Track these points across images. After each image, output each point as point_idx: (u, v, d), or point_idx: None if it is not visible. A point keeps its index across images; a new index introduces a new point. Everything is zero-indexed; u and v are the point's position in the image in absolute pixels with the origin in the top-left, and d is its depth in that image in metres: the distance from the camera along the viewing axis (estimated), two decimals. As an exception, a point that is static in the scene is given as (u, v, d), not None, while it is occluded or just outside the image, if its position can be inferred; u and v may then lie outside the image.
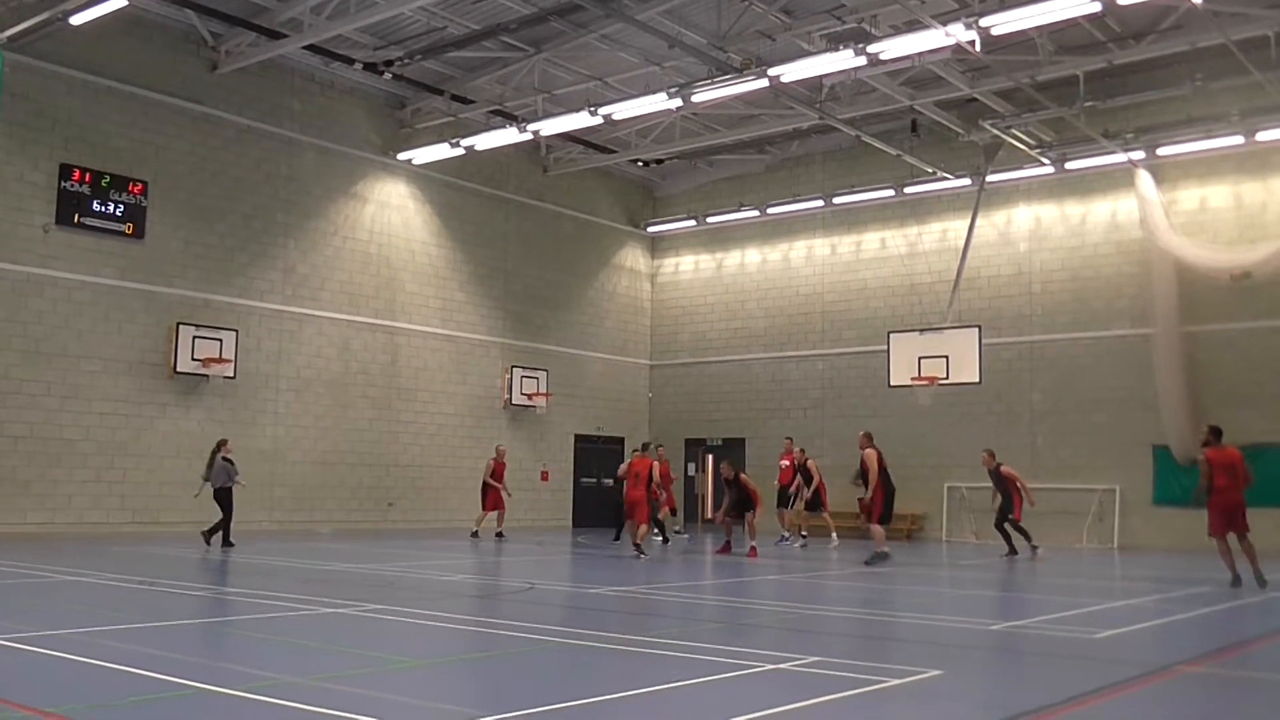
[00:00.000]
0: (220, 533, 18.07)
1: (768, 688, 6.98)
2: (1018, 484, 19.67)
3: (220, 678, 6.73)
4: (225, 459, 18.17)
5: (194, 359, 21.39)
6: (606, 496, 24.18)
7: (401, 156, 25.31)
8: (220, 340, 21.79)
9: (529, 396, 27.59)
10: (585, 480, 29.06)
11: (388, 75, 23.53)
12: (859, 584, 14.89)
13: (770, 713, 6.11)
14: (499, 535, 22.32)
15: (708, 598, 13.18)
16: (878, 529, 17.37)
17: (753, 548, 19.51)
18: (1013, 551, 19.77)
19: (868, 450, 17.44)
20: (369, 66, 23.22)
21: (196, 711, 6.05)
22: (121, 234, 20.83)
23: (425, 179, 26.17)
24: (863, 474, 17.46)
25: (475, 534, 22.29)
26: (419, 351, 25.85)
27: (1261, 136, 21.82)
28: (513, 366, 27.52)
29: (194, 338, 21.46)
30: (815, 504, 21.84)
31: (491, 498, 22.52)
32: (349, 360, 24.42)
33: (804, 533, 22.22)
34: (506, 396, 27.37)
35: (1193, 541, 20.62)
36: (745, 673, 7.38)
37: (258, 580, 13.25)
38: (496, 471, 22.64)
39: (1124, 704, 6.86)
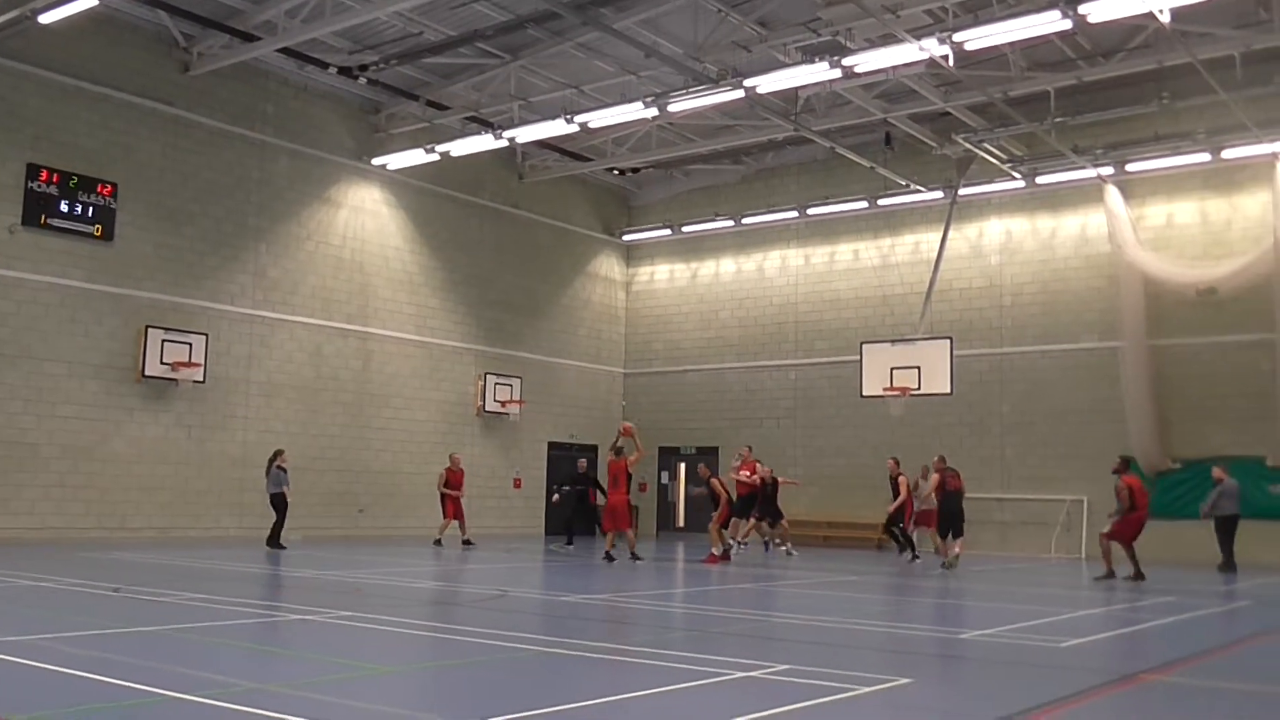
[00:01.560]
0: (275, 534, 19.86)
1: (738, 696, 7.00)
2: (910, 495, 21.13)
3: (186, 685, 6.67)
4: (280, 467, 19.98)
5: (163, 363, 21.22)
6: (561, 502, 24.02)
7: (376, 162, 25.24)
8: (190, 344, 21.63)
9: (502, 404, 27.54)
10: (561, 488, 28.98)
11: (363, 80, 23.49)
12: (829, 593, 14.95)
13: (740, 720, 6.13)
14: (466, 543, 22.16)
15: (679, 606, 13.19)
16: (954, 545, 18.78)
17: (711, 554, 19.55)
18: (915, 555, 20.82)
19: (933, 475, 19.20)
20: (344, 71, 23.16)
21: (160, 719, 5.99)
22: (90, 236, 20.66)
23: (400, 184, 26.11)
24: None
25: (439, 542, 22.11)
26: (392, 358, 25.76)
27: (1227, 154, 22.17)
28: (486, 373, 27.47)
29: (163, 341, 21.29)
30: (775, 516, 21.82)
31: (450, 506, 22.43)
32: (320, 366, 24.30)
33: (776, 541, 22.29)
34: (480, 403, 27.31)
35: (1158, 552, 20.84)
36: (716, 681, 7.40)
37: (226, 586, 13.16)
38: (451, 480, 22.50)
39: (1088, 712, 6.93)
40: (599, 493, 22.58)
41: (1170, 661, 9.13)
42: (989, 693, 7.71)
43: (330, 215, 24.79)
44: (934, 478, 18.88)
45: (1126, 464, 16.97)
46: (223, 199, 22.78)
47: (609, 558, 18.39)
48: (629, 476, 18.53)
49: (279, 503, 20.00)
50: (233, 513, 22.40)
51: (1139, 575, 16.70)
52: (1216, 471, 20.25)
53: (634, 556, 18.01)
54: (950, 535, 18.72)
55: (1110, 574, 16.88)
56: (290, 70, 23.60)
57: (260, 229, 23.44)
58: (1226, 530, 19.87)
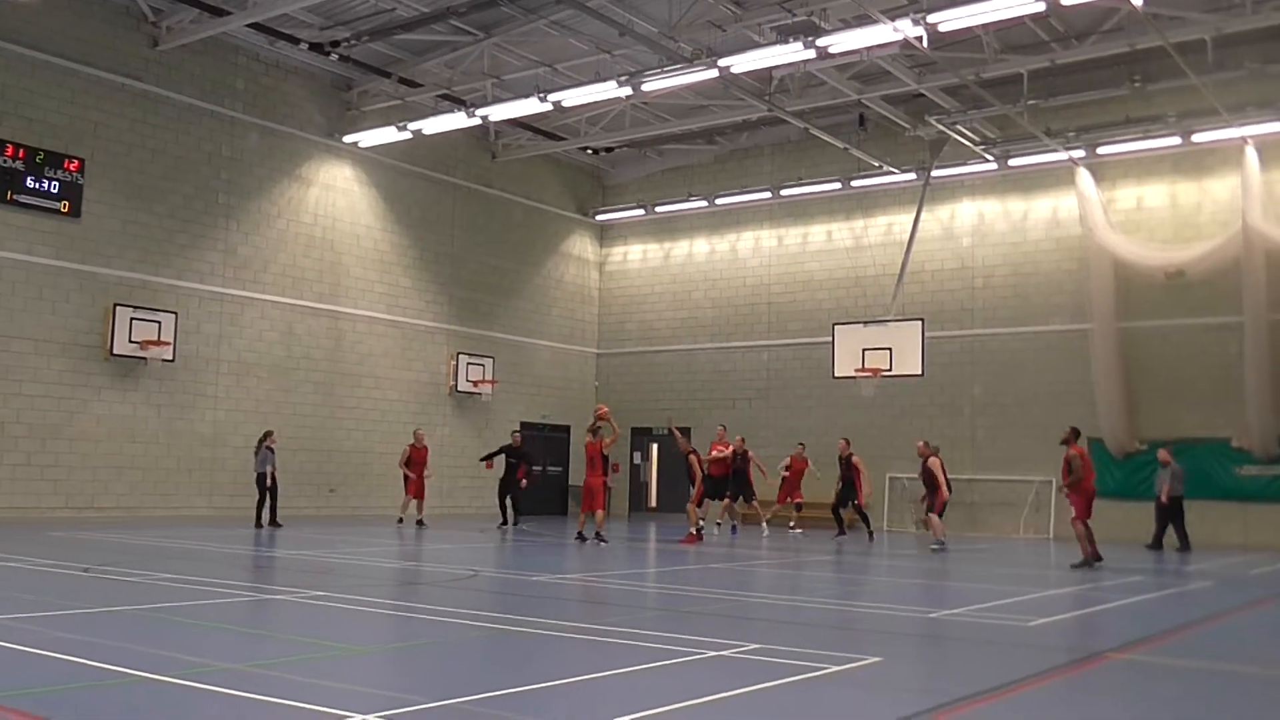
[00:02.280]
0: (267, 512, 20.32)
1: (709, 674, 7.04)
2: (861, 474, 21.63)
3: (158, 665, 6.64)
4: (269, 448, 20.42)
5: (131, 341, 21.01)
6: (500, 480, 23.17)
7: (347, 139, 25.03)
8: (159, 323, 21.41)
9: (475, 383, 27.47)
10: (533, 468, 28.96)
11: (334, 56, 23.26)
12: (800, 572, 15.05)
13: (712, 699, 6.17)
14: (419, 524, 21.98)
15: (650, 585, 13.24)
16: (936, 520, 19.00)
17: (690, 534, 19.63)
18: (841, 533, 21.73)
19: (932, 459, 19.01)
20: (315, 47, 22.93)
21: (133, 699, 5.97)
22: (57, 212, 20.38)
23: (371, 162, 25.91)
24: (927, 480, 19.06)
25: (401, 520, 22.18)
26: (364, 337, 25.62)
27: (1197, 138, 22.34)
28: (459, 353, 27.38)
29: (131, 319, 21.05)
30: (748, 494, 21.87)
31: (411, 484, 22.40)
32: (292, 344, 24.14)
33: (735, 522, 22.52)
34: (452, 383, 27.23)
35: (1125, 532, 21.12)
36: (687, 660, 7.43)
37: (197, 567, 13.09)
38: (413, 458, 22.43)
39: (1054, 690, 7.02)
40: (527, 470, 22.57)
41: (1135, 640, 9.26)
42: (957, 671, 7.80)
43: (301, 193, 24.58)
44: (934, 460, 18.92)
45: (1075, 434, 16.47)
46: (192, 176, 22.54)
47: (581, 538, 18.41)
48: (605, 458, 18.53)
49: (263, 483, 20.33)
50: (202, 492, 22.27)
51: (1096, 557, 15.80)
52: (1163, 454, 20.61)
53: (599, 538, 18.03)
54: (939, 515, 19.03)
55: (1097, 556, 15.80)
56: (261, 46, 23.34)
57: (230, 206, 23.22)
58: (1174, 511, 20.23)
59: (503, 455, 23.03)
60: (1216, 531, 21.94)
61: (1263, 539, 21.54)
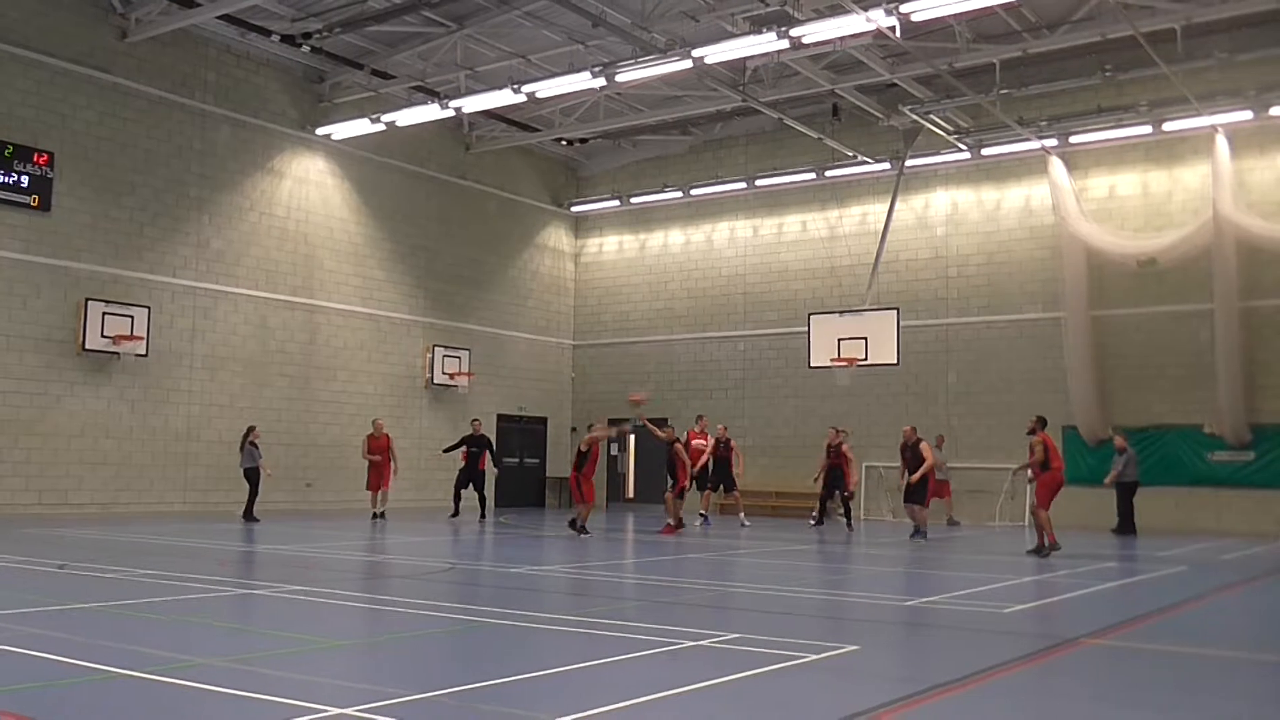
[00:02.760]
0: (249, 508, 20.25)
1: (689, 664, 7.06)
2: (850, 463, 21.49)
3: (137, 661, 6.60)
4: (253, 443, 20.40)
5: (103, 336, 20.84)
6: (460, 470, 22.65)
7: (320, 131, 24.88)
8: (131, 317, 21.26)
9: (451, 376, 27.41)
10: (508, 460, 28.92)
11: (306, 48, 23.11)
12: (779, 561, 15.11)
13: (692, 689, 6.19)
14: (376, 516, 21.62)
15: (629, 576, 13.27)
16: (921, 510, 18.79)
17: (668, 525, 19.65)
18: (819, 522, 21.79)
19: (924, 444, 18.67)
20: (287, 38, 22.77)
21: (113, 695, 5.94)
22: (27, 206, 20.18)
23: (345, 155, 25.77)
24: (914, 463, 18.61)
25: (376, 515, 21.79)
26: (339, 330, 25.51)
27: (1168, 127, 22.55)
28: (434, 345, 27.31)
29: (103, 314, 20.91)
30: (729, 484, 21.93)
31: (371, 475, 22.12)
32: (266, 338, 24.01)
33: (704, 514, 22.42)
34: (428, 376, 27.16)
35: (1099, 519, 21.32)
36: (667, 650, 7.46)
37: (174, 562, 13.01)
38: (371, 447, 22.13)
39: (1029, 675, 7.09)
40: (491, 458, 22.36)
41: (1110, 625, 9.35)
42: (934, 658, 7.86)
43: (274, 185, 24.42)
44: (924, 445, 18.73)
45: (1042, 423, 16.25)
46: (163, 169, 22.35)
47: (583, 529, 18.26)
48: (598, 456, 18.35)
49: (252, 477, 20.34)
50: (177, 487, 22.14)
51: (1052, 545, 15.60)
52: (1118, 440, 20.90)
53: (581, 528, 18.03)
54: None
55: (1054, 545, 15.73)
56: (231, 38, 23.16)
57: (202, 200, 23.05)
58: (1127, 496, 20.65)
59: (464, 446, 22.66)
60: (1189, 517, 22.19)
61: (1233, 524, 21.79)
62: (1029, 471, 16.27)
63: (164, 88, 22.34)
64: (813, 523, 21.88)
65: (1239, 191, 22.59)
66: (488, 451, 22.58)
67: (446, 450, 23.42)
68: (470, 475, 22.33)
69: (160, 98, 22.29)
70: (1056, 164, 24.34)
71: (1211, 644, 8.61)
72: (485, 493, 22.78)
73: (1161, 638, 8.88)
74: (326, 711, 5.45)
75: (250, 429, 20.74)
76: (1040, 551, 15.63)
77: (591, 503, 18.67)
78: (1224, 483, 22.30)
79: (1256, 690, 6.86)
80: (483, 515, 22.34)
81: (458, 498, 22.37)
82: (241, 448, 20.58)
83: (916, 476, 18.30)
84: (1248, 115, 21.75)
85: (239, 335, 23.51)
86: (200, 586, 10.63)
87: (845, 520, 21.39)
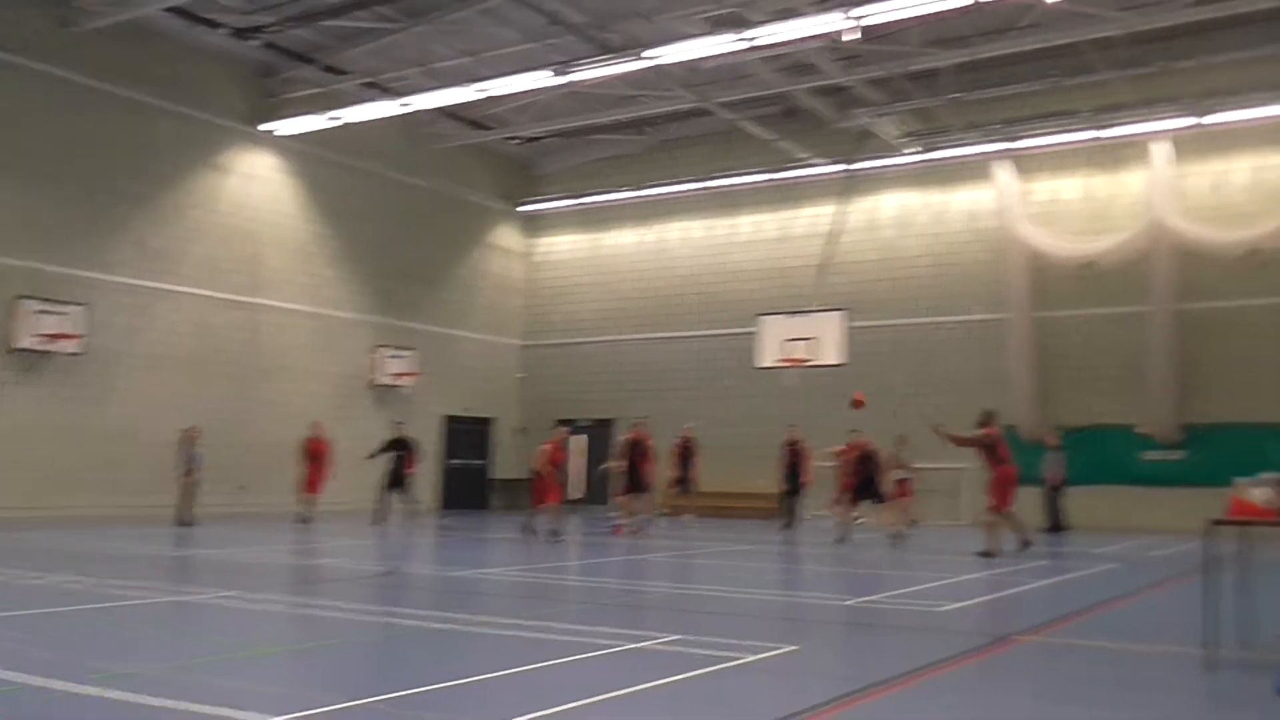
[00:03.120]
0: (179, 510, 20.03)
1: (628, 666, 7.04)
2: (807, 461, 21.55)
3: (61, 670, 6.45)
4: (193, 444, 20.17)
5: (36, 335, 20.34)
6: (388, 473, 21.50)
7: (269, 127, 24.55)
8: (66, 315, 20.77)
9: (396, 376, 27.17)
10: (454, 461, 28.79)
11: (256, 42, 22.80)
12: (722, 563, 15.14)
13: (630, 691, 6.18)
14: (304, 520, 21.03)
15: (570, 579, 13.23)
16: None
17: (619, 525, 19.65)
18: (789, 525, 21.34)
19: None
20: (237, 32, 22.45)
21: (33, 708, 5.78)
22: (-41, 200, 19.71)
23: (294, 151, 25.45)
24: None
25: (306, 520, 21.35)
26: (282, 329, 25.19)
27: (1110, 133, 22.93)
28: (380, 345, 27.07)
29: (36, 312, 20.38)
30: (687, 485, 21.95)
31: (310, 478, 21.50)
32: (207, 338, 23.63)
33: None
34: (373, 376, 26.90)
35: (1034, 517, 21.59)
36: (606, 652, 7.44)
37: (104, 567, 12.76)
38: (311, 450, 21.58)
39: (965, 673, 7.15)
40: (413, 460, 21.39)
41: (1044, 622, 9.46)
42: (872, 658, 7.91)
43: (219, 182, 24.07)
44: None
45: (989, 416, 16.10)
46: (103, 164, 21.90)
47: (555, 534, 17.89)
48: (565, 458, 17.93)
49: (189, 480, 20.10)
50: (110, 490, 21.56)
51: (993, 554, 15.19)
52: (1050, 438, 21.29)
53: (532, 530, 17.87)
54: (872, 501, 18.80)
55: (999, 553, 15.35)
56: (180, 30, 22.74)
57: (143, 196, 22.65)
58: (1055, 496, 21.19)
59: (390, 450, 21.58)
60: (1123, 515, 22.56)
61: (1164, 522, 22.06)
62: (948, 438, 16.01)
63: (107, 81, 21.87)
64: (785, 525, 21.36)
65: (1177, 197, 22.99)
66: (410, 454, 21.99)
67: (371, 455, 22.59)
68: (396, 479, 21.42)
69: (104, 91, 21.83)
70: (1002, 168, 24.65)
71: (1144, 640, 8.74)
72: (415, 494, 22.08)
73: (1095, 634, 8.99)
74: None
75: (190, 429, 20.38)
76: (989, 554, 15.15)
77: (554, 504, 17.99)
78: (1156, 481, 22.66)
79: (1191, 685, 6.96)
80: (412, 518, 21.59)
81: (385, 501, 21.29)
82: (182, 449, 20.19)
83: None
84: (1187, 122, 22.17)
85: (179, 334, 23.12)
86: (132, 592, 10.44)
87: (789, 519, 21.26)
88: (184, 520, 19.90)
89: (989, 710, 6.32)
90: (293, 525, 20.56)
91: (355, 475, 23.92)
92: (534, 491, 18.38)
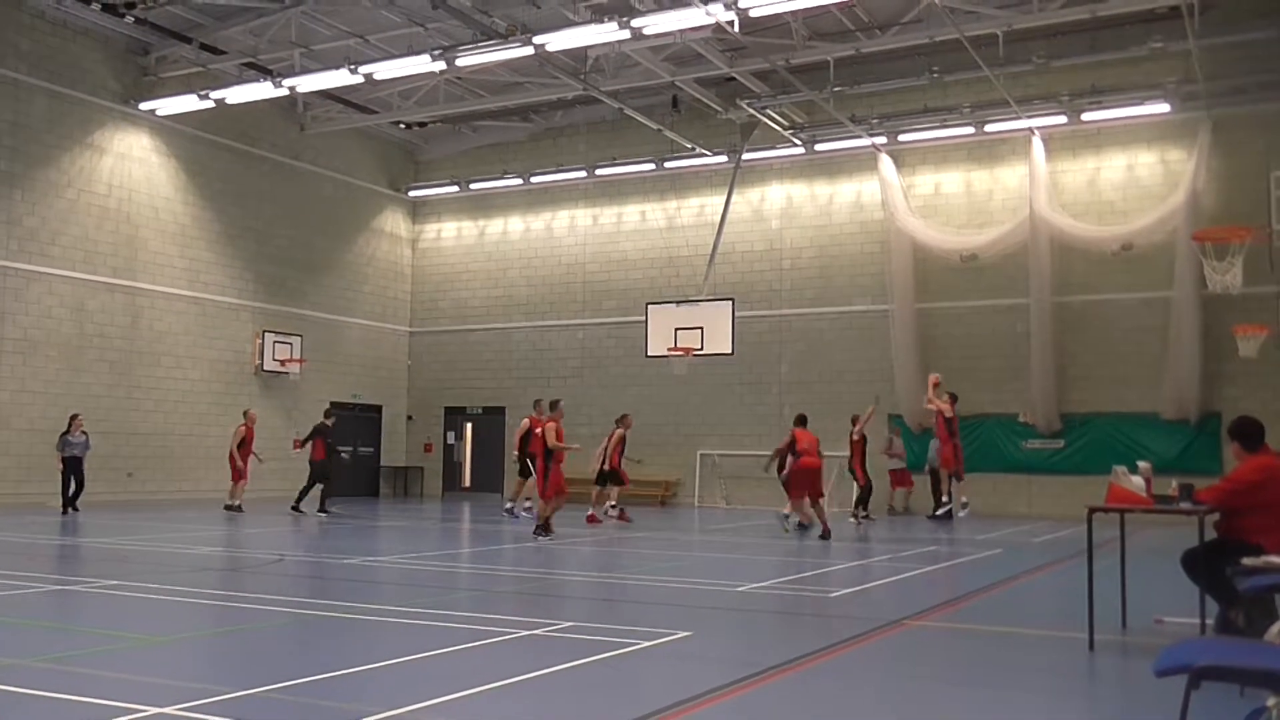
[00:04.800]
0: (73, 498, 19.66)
1: (520, 654, 7.08)
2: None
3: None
4: (82, 431, 19.84)
5: (-100, 318, 19.44)
6: (320, 462, 20.87)
7: (144, 107, 23.74)
8: (-68, 298, 19.89)
9: (282, 362, 26.60)
10: (342, 449, 28.24)
11: (129, 18, 22.02)
12: (616, 549, 15.24)
13: (522, 678, 6.21)
14: (234, 508, 20.65)
15: (462, 566, 13.18)
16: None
17: (591, 514, 19.41)
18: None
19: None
20: (109, 8, 21.65)
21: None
22: None
23: (171, 132, 24.67)
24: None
25: (236, 507, 20.77)
26: (162, 314, 24.44)
27: (989, 128, 23.66)
28: (264, 331, 26.46)
29: (-100, 295, 19.50)
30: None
31: (245, 467, 21.16)
32: (84, 321, 22.81)
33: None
34: (258, 362, 26.30)
35: (922, 503, 22.24)
36: (498, 640, 7.45)
37: (-24, 558, 12.27)
38: (247, 439, 21.16)
39: (853, 657, 7.36)
40: (327, 449, 20.73)
41: (931, 607, 9.77)
42: (764, 642, 8.08)
43: (94, 161, 23.21)
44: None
45: (802, 420, 17.81)
46: (-32, 141, 20.97)
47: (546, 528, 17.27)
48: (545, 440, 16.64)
49: (74, 466, 19.70)
50: (-17, 479, 20.83)
51: (825, 534, 16.42)
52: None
53: (511, 515, 17.62)
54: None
55: (801, 526, 17.22)
56: (47, 4, 21.87)
57: (14, 175, 21.72)
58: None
59: (318, 436, 21.10)
60: (1005, 502, 23.37)
61: (1045, 508, 23.01)
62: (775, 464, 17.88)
63: (-31, 54, 20.93)
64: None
65: (1053, 192, 23.83)
66: (324, 442, 21.30)
67: (301, 442, 21.56)
68: (328, 467, 20.94)
69: (-35, 65, 20.88)
70: (886, 161, 25.23)
71: (1028, 624, 9.09)
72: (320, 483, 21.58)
73: (980, 618, 9.33)
74: (145, 711, 5.26)
75: (74, 416, 19.85)
76: (822, 535, 16.41)
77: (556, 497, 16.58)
78: (1036, 469, 23.54)
79: (1074, 667, 7.20)
80: (322, 508, 21.09)
81: (326, 491, 20.95)
82: (63, 436, 19.63)
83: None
84: (1061, 120, 23.01)
85: (54, 318, 22.27)
86: (10, 583, 10.07)
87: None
88: (73, 507, 19.56)
89: (881, 692, 6.50)
90: (188, 513, 20.02)
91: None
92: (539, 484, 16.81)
